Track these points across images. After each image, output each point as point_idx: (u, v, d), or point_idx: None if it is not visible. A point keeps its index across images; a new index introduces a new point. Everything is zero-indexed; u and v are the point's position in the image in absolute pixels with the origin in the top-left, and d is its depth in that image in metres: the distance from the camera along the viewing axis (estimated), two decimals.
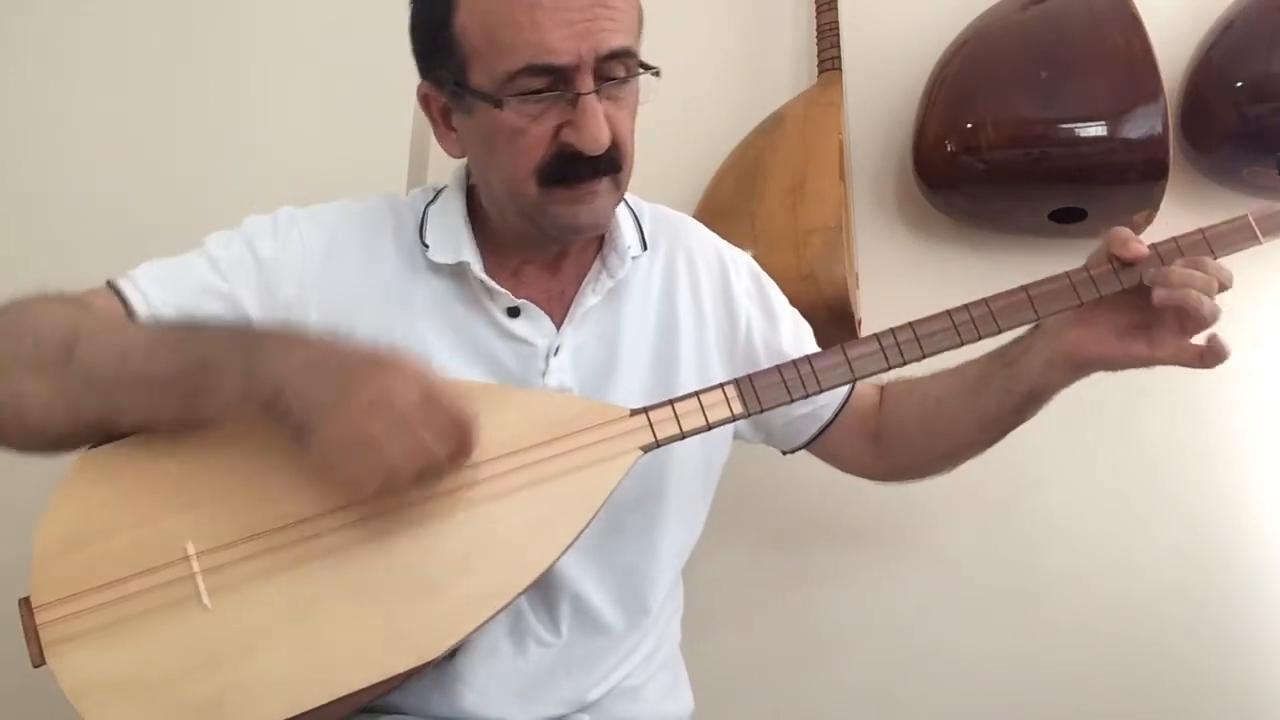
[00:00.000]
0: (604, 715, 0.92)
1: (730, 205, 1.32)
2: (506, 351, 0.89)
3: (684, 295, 0.97)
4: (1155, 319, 0.83)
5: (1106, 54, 1.22)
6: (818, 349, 1.01)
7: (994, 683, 1.40)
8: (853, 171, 1.43)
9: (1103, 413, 1.39)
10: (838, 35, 1.40)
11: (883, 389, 1.05)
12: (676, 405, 0.80)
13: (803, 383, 0.82)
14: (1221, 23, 1.30)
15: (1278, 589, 1.34)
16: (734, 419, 0.81)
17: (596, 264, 0.93)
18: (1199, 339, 0.82)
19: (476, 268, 0.88)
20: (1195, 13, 1.34)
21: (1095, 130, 1.21)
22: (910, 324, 0.83)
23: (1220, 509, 1.35)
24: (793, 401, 0.82)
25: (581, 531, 0.77)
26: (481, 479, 0.76)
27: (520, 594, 0.75)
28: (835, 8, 1.40)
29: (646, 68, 0.82)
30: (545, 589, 0.89)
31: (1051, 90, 1.22)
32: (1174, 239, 0.85)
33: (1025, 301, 0.83)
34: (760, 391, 0.81)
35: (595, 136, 0.78)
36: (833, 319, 1.23)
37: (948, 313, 0.84)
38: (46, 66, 1.58)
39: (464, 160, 0.94)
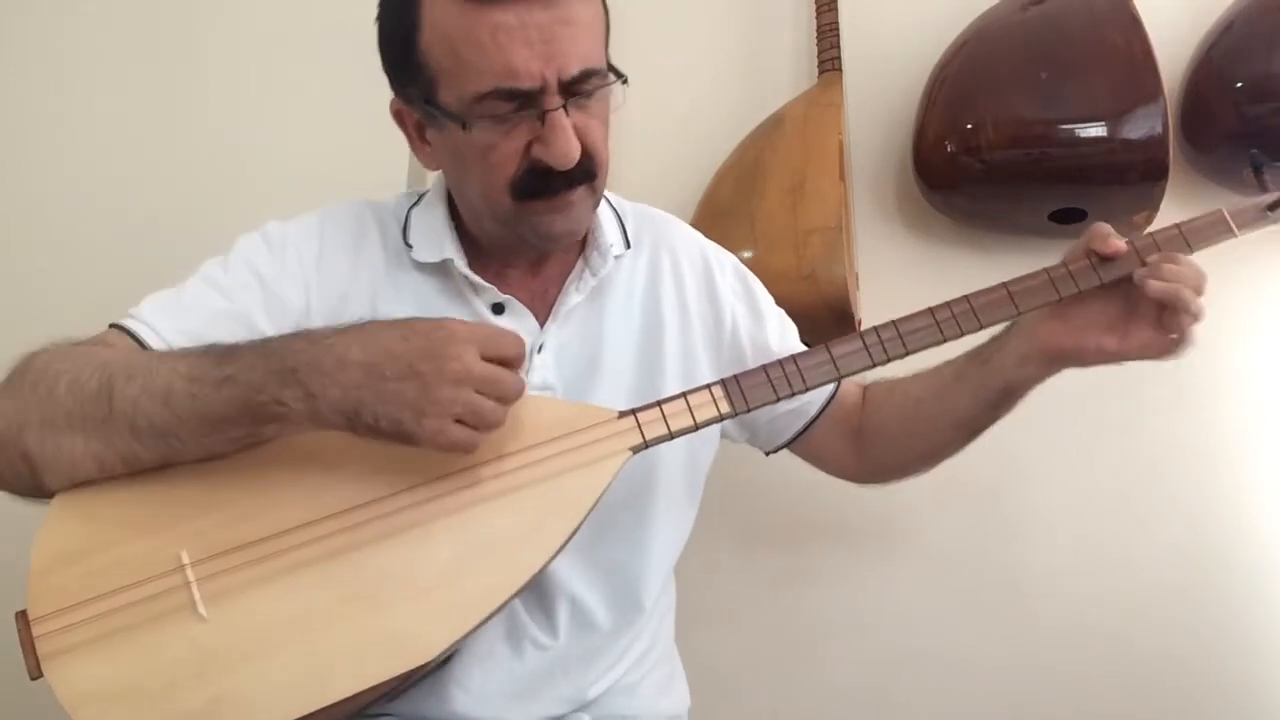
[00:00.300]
0: (601, 713, 0.93)
1: (730, 205, 1.32)
2: None
3: (668, 294, 0.97)
4: (1129, 314, 0.84)
5: (1106, 54, 1.22)
6: (804, 347, 1.01)
7: (991, 682, 1.40)
8: (853, 171, 1.43)
9: (1102, 412, 1.39)
10: (838, 35, 1.40)
11: (865, 389, 1.05)
12: (664, 406, 0.80)
13: (789, 381, 0.83)
14: (1221, 23, 1.30)
15: (1278, 589, 1.34)
16: (721, 419, 0.81)
17: (579, 263, 0.93)
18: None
19: (460, 264, 0.89)
20: (1195, 13, 1.34)
21: (1095, 130, 1.21)
22: (893, 322, 0.84)
23: (1220, 509, 1.36)
24: (779, 401, 0.83)
25: (573, 533, 0.77)
26: (473, 482, 0.76)
27: (513, 596, 0.75)
28: (835, 8, 1.40)
29: (617, 74, 0.82)
30: (541, 592, 0.90)
31: (1051, 90, 1.22)
32: (1151, 234, 0.86)
33: (1006, 298, 0.85)
34: (747, 391, 0.82)
35: (565, 152, 0.78)
36: (833, 319, 1.23)
37: (930, 310, 0.85)
38: (46, 66, 1.58)
39: None
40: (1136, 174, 1.21)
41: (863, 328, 1.26)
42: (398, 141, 0.92)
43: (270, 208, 0.95)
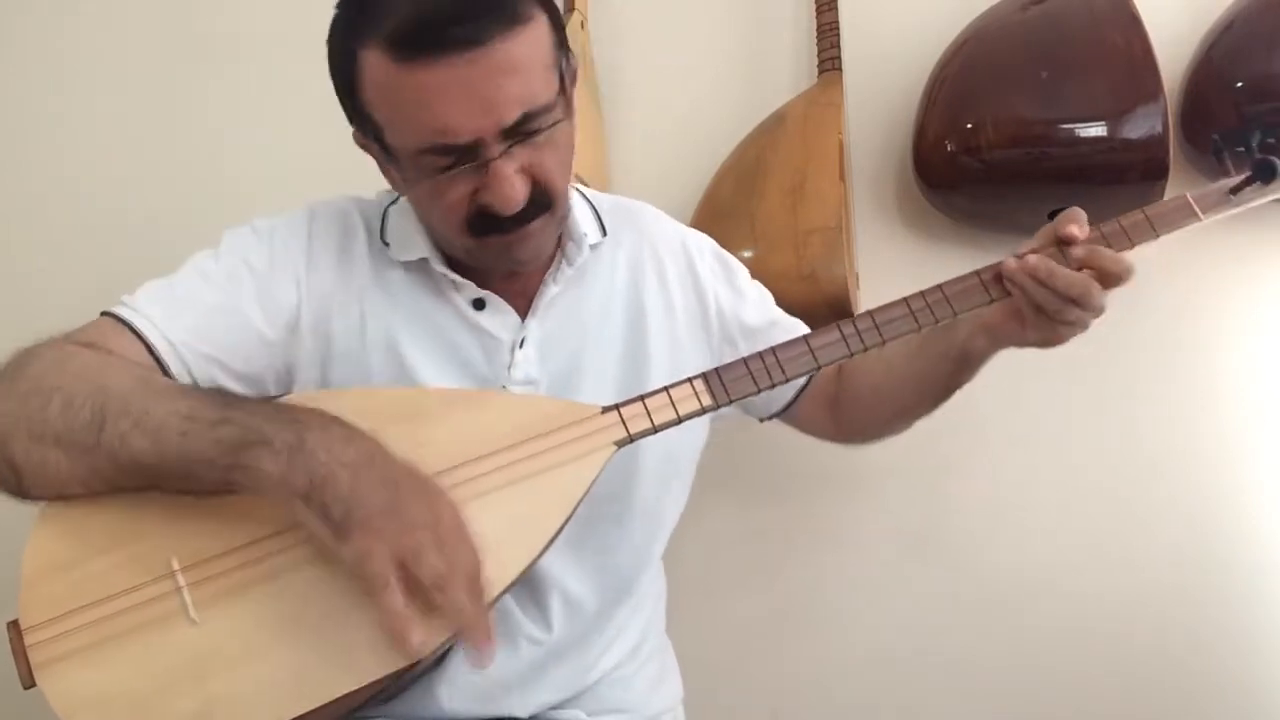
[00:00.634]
0: (597, 707, 0.94)
1: (730, 205, 1.32)
2: (473, 345, 0.90)
3: (651, 288, 0.97)
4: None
5: (1106, 54, 1.22)
6: (783, 314, 1.04)
7: (990, 682, 1.40)
8: (853, 171, 1.43)
9: (1103, 412, 1.39)
10: (838, 35, 1.40)
11: None
12: (647, 401, 0.81)
13: (769, 373, 0.84)
14: (1221, 23, 1.30)
15: (1278, 589, 1.34)
16: (703, 411, 0.82)
17: (557, 255, 0.93)
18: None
19: (436, 263, 0.89)
20: (1195, 13, 1.34)
21: (1095, 130, 1.21)
22: (869, 312, 0.86)
23: (1220, 509, 1.36)
24: (760, 392, 0.84)
25: (561, 528, 0.77)
26: (459, 481, 0.76)
27: (503, 592, 0.75)
28: (835, 8, 1.40)
29: (567, 101, 0.80)
30: (533, 588, 0.90)
31: (1051, 90, 1.22)
32: (1118, 220, 0.87)
33: (978, 285, 0.86)
34: (729, 384, 0.83)
35: (508, 199, 0.77)
36: (833, 319, 1.22)
37: (904, 300, 0.86)
38: (46, 66, 1.59)
39: None
40: (1136, 174, 1.21)
41: None
42: None
43: (270, 208, 0.95)
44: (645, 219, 1.03)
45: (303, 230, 0.91)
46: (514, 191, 0.77)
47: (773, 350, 0.85)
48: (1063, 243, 0.85)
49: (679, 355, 0.96)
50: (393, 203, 0.95)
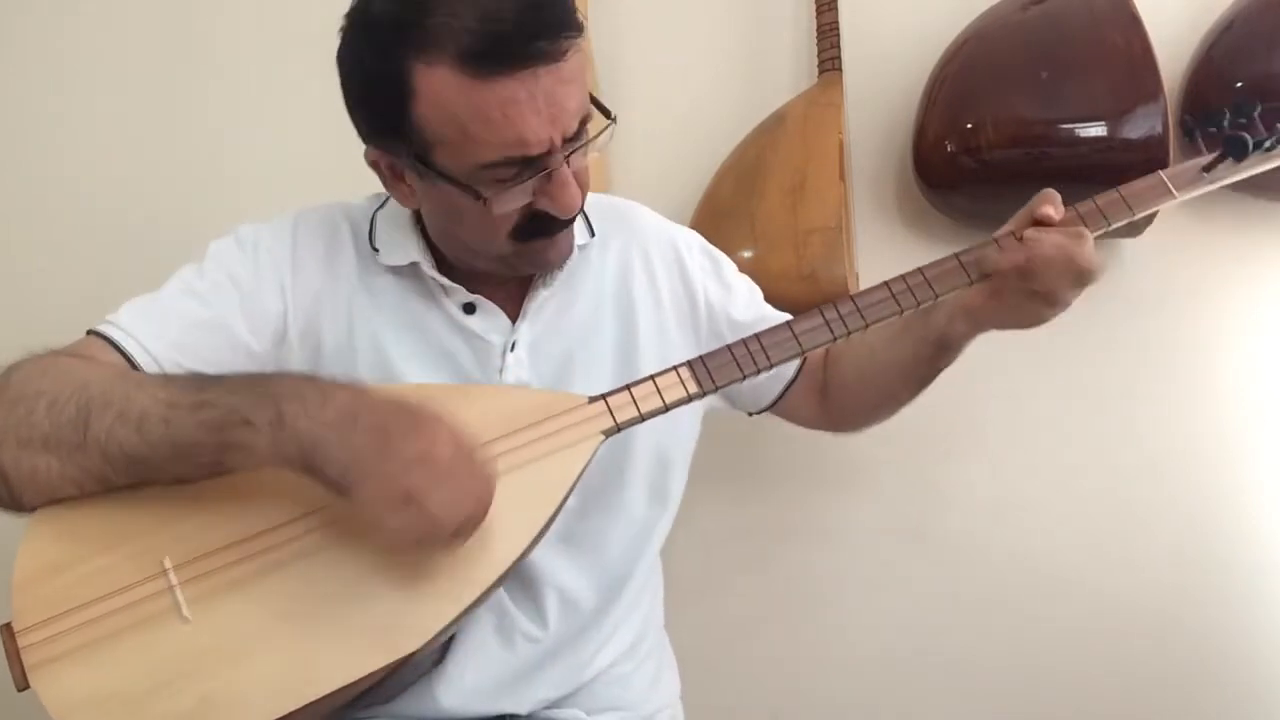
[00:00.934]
0: (594, 704, 0.94)
1: (730, 205, 1.32)
2: (464, 349, 0.90)
3: (640, 284, 0.98)
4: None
5: (1106, 54, 1.22)
6: (772, 310, 1.04)
7: (989, 681, 1.40)
8: (853, 171, 1.43)
9: (1103, 412, 1.39)
10: (838, 35, 1.40)
11: None
12: (634, 389, 0.82)
13: (753, 359, 0.84)
14: (1221, 23, 1.30)
15: (1278, 589, 1.34)
16: (690, 399, 0.83)
17: None
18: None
19: (427, 267, 0.89)
20: (1195, 13, 1.34)
21: (1095, 130, 1.21)
22: (851, 296, 0.87)
23: (1220, 508, 1.36)
24: (745, 378, 0.84)
25: (551, 518, 0.78)
26: None
27: (497, 583, 0.75)
28: (835, 8, 1.40)
29: (604, 112, 0.81)
30: (528, 585, 0.90)
31: (1051, 90, 1.22)
32: (1093, 199, 0.87)
33: (957, 267, 0.87)
34: (714, 371, 0.83)
35: (571, 205, 0.80)
36: None
37: (885, 283, 0.87)
38: (46, 66, 1.59)
39: None
40: (1136, 173, 1.19)
41: None
42: None
43: (269, 208, 0.95)
44: (632, 216, 1.03)
45: (287, 237, 0.91)
46: (575, 196, 0.79)
47: (756, 337, 0.85)
48: (1039, 224, 0.85)
49: (669, 351, 0.96)
50: (380, 207, 0.95)
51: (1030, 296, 0.84)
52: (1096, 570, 1.37)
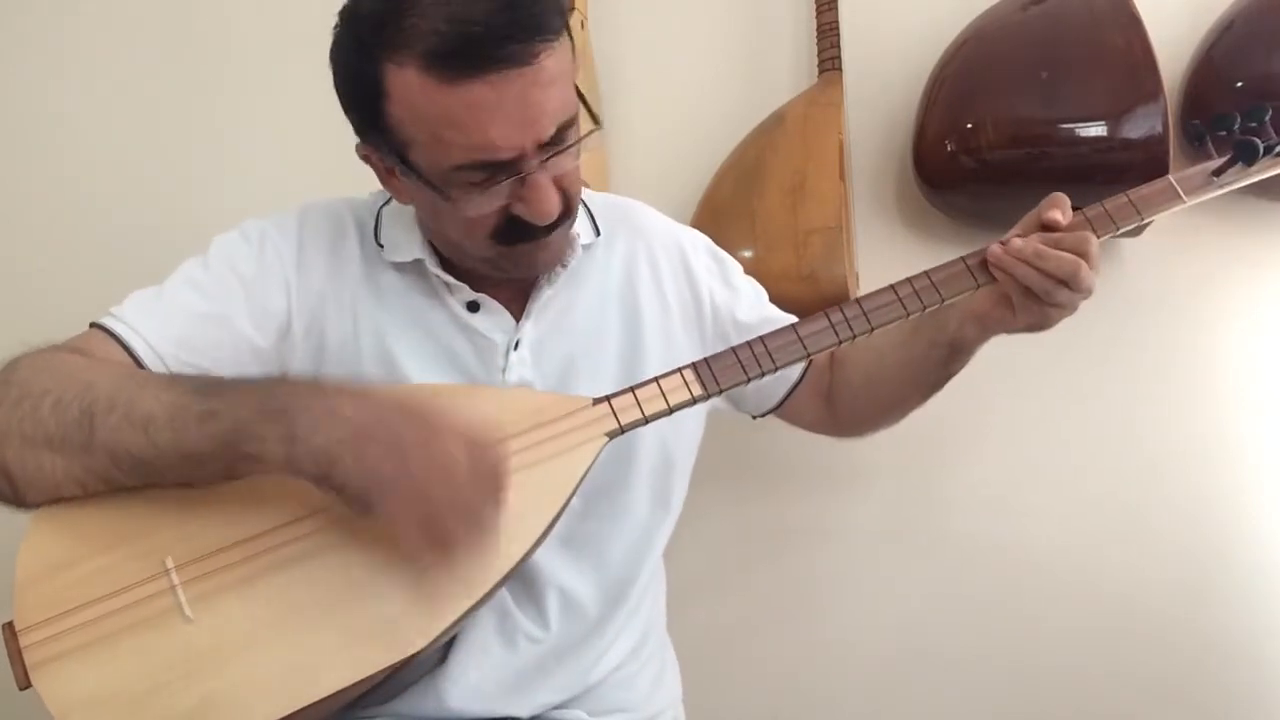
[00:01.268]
0: (598, 706, 0.93)
1: (730, 205, 1.32)
2: (466, 347, 0.90)
3: (646, 287, 0.97)
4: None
5: (1106, 54, 1.22)
6: (777, 312, 1.04)
7: (990, 681, 1.40)
8: (853, 171, 1.43)
9: (1103, 412, 1.39)
10: (838, 35, 1.40)
11: None
12: (638, 391, 0.81)
13: (758, 362, 0.84)
14: (1221, 23, 1.30)
15: (1278, 589, 1.34)
16: (694, 401, 0.82)
17: None
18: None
19: (431, 264, 0.89)
20: (1195, 13, 1.34)
21: (1095, 130, 1.21)
22: (857, 299, 0.86)
23: (1220, 508, 1.36)
24: (749, 381, 0.84)
25: (555, 519, 0.77)
26: None
27: (499, 584, 0.75)
28: (835, 8, 1.40)
29: (593, 117, 0.81)
30: (529, 585, 0.90)
31: (1051, 90, 1.22)
32: (1102, 204, 0.87)
33: (964, 270, 0.87)
34: (718, 373, 0.83)
35: (545, 212, 0.78)
36: None
37: (891, 287, 0.87)
38: (46, 66, 1.59)
39: None
40: (1136, 173, 1.20)
41: None
42: None
43: (270, 206, 0.95)
44: (639, 216, 1.03)
45: (293, 232, 0.91)
46: (551, 204, 0.78)
47: (761, 339, 0.85)
48: (1046, 228, 0.85)
49: (674, 352, 0.96)
50: (386, 203, 0.94)
51: (1038, 302, 0.83)
52: (1097, 570, 1.37)
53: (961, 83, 1.30)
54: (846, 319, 0.85)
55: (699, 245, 1.04)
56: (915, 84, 1.36)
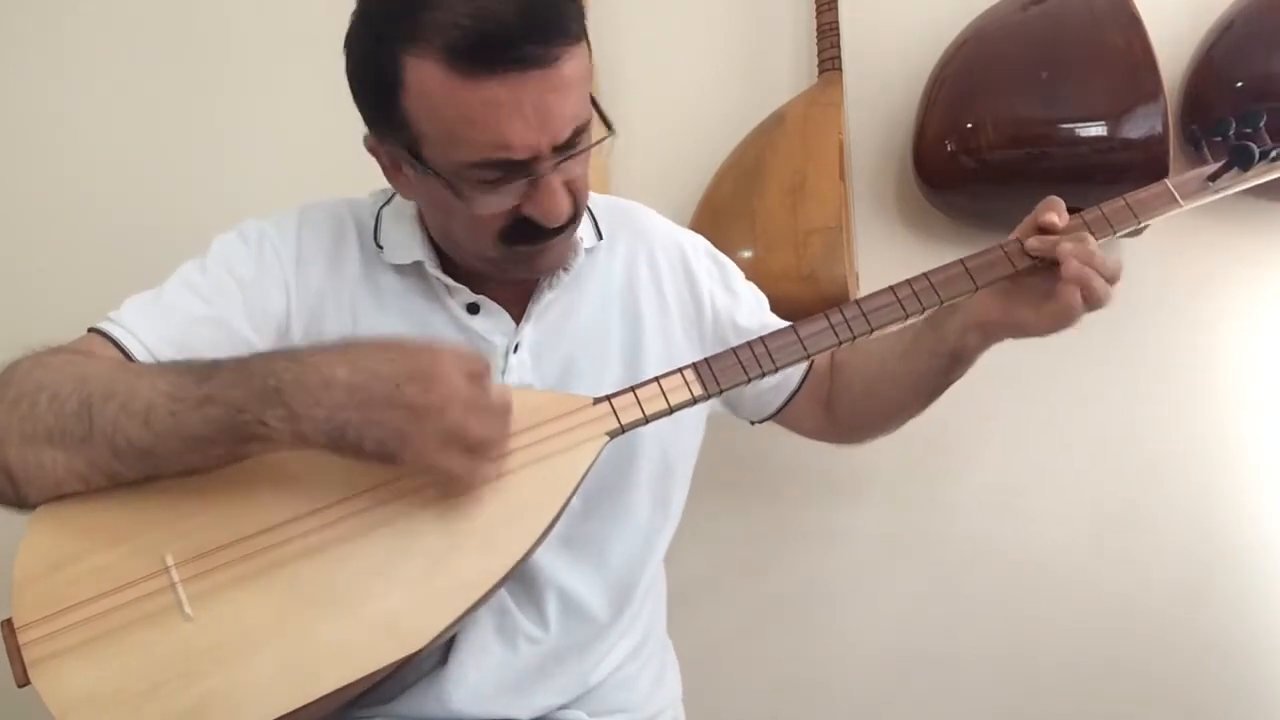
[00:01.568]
0: (598, 707, 0.93)
1: (730, 205, 1.32)
2: None
3: (646, 289, 0.97)
4: (1049, 290, 0.85)
5: (1106, 54, 1.22)
6: (778, 320, 1.04)
7: (990, 683, 1.40)
8: (853, 171, 1.43)
9: (1104, 413, 1.39)
10: (838, 35, 1.40)
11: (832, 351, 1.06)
12: (638, 391, 0.81)
13: (758, 363, 0.84)
14: (1221, 23, 1.30)
15: (1278, 589, 1.34)
16: (694, 401, 0.82)
17: None
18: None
19: (431, 266, 0.89)
20: (1195, 13, 1.34)
21: (1095, 130, 1.21)
22: (857, 301, 0.86)
23: (1220, 508, 1.36)
24: (750, 381, 0.84)
25: (555, 519, 0.77)
26: None
27: (499, 583, 0.75)
28: (835, 8, 1.40)
29: (606, 123, 0.80)
30: (529, 585, 0.90)
31: (1051, 90, 1.22)
32: (1099, 207, 0.87)
33: (963, 273, 0.87)
34: (718, 374, 0.83)
35: (556, 214, 0.78)
36: None
37: (891, 288, 0.87)
38: (46, 66, 1.59)
39: None
40: (1136, 173, 1.21)
41: None
42: None
43: (270, 206, 0.95)
44: (641, 219, 1.03)
45: (292, 232, 0.91)
46: (562, 206, 0.78)
47: (761, 340, 0.85)
48: (1043, 231, 0.85)
49: (674, 356, 0.96)
50: (385, 204, 0.94)
51: (1043, 309, 0.83)
52: (1098, 571, 1.37)
53: (961, 83, 1.30)
54: (846, 320, 0.85)
55: (700, 249, 1.04)
56: (915, 84, 1.36)
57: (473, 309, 0.90)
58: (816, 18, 1.42)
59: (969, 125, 1.25)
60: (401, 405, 0.68)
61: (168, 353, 0.81)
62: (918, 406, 0.98)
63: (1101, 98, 1.21)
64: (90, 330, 0.83)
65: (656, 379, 0.82)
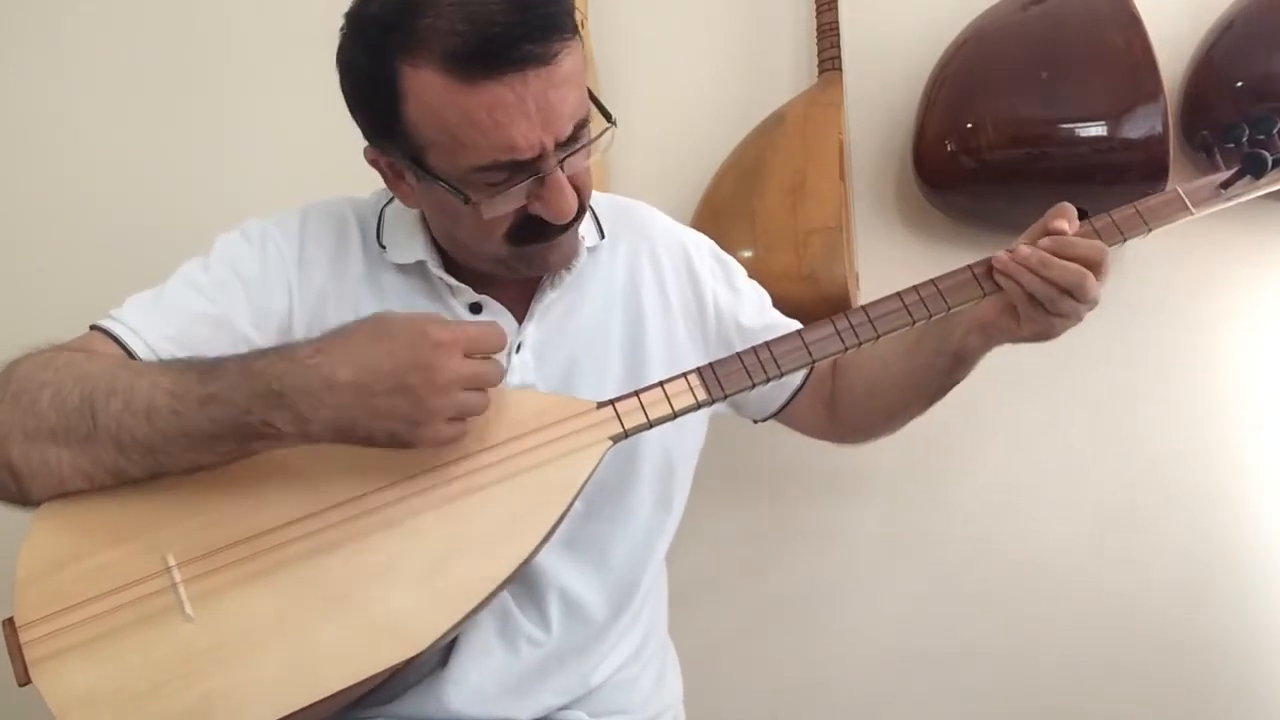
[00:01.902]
0: (599, 708, 0.93)
1: (730, 205, 1.32)
2: None
3: (649, 289, 0.97)
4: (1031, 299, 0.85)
5: (1106, 54, 1.22)
6: (780, 317, 1.04)
7: (990, 683, 1.40)
8: (853, 171, 1.43)
9: (1104, 413, 1.39)
10: (838, 35, 1.40)
11: None
12: (642, 395, 0.81)
13: (763, 368, 0.84)
14: (1221, 23, 1.30)
15: (1278, 589, 1.34)
16: (698, 406, 0.82)
17: None
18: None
19: (433, 265, 0.89)
20: (1195, 13, 1.34)
21: (1095, 130, 1.21)
22: (863, 307, 0.86)
23: (1220, 508, 1.36)
24: (754, 387, 0.84)
25: (557, 522, 0.77)
26: (455, 475, 0.77)
27: (501, 587, 0.75)
28: (835, 8, 1.40)
29: (606, 115, 0.80)
30: (531, 587, 0.90)
31: (1051, 90, 1.22)
32: (1109, 214, 0.86)
33: (971, 279, 0.86)
34: (723, 379, 0.83)
35: (564, 211, 0.78)
36: None
37: (898, 294, 0.86)
38: (46, 66, 1.59)
39: None
40: (1136, 173, 1.21)
41: None
42: None
43: (270, 207, 0.95)
44: (643, 218, 1.03)
45: (295, 231, 0.91)
46: (569, 202, 0.78)
47: (766, 345, 0.85)
48: (1051, 235, 0.84)
49: (677, 356, 0.96)
50: (388, 203, 0.94)
51: (1043, 311, 0.83)
52: (1098, 571, 1.37)
53: (961, 83, 1.30)
54: (852, 326, 0.85)
55: (703, 247, 1.04)
56: (915, 84, 1.36)
57: (475, 309, 0.90)
58: (816, 18, 1.42)
59: (969, 125, 1.25)
60: (408, 397, 0.70)
61: (169, 350, 0.81)
62: (920, 407, 0.98)
63: (1101, 98, 1.21)
64: (92, 327, 0.83)
65: (660, 384, 0.82)
